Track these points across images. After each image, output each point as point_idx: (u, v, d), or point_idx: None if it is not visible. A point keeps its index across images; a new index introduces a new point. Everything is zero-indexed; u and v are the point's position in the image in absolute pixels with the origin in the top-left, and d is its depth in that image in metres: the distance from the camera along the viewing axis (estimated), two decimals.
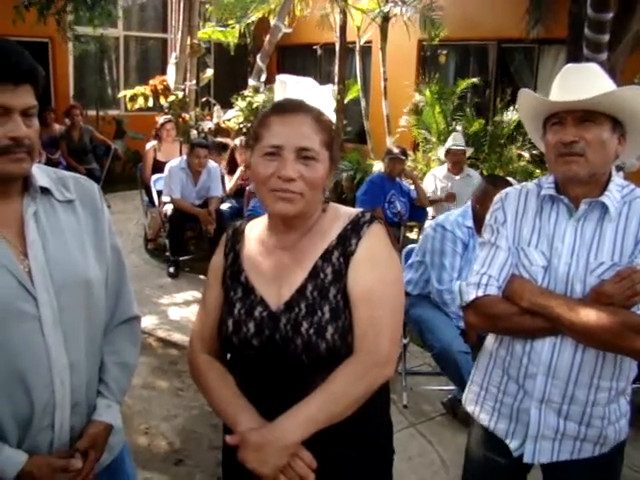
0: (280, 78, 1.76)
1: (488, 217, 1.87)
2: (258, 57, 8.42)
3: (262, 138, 1.45)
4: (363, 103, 9.96)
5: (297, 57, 12.25)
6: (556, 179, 1.77)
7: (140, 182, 7.01)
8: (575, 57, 5.54)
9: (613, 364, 1.71)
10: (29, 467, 1.37)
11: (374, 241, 1.48)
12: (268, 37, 8.40)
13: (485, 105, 8.58)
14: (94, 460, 1.49)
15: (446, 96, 8.62)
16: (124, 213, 8.01)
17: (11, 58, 1.31)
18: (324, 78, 10.68)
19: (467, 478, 2.02)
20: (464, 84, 8.68)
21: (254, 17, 9.74)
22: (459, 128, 8.19)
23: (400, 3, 8.84)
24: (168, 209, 6.01)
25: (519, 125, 7.13)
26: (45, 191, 1.47)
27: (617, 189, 1.72)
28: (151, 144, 7.05)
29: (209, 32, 9.83)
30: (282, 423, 1.37)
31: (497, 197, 1.87)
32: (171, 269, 5.99)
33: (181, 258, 6.11)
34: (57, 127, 8.62)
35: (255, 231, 1.60)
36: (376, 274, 1.45)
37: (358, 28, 9.46)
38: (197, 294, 5.40)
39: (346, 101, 9.76)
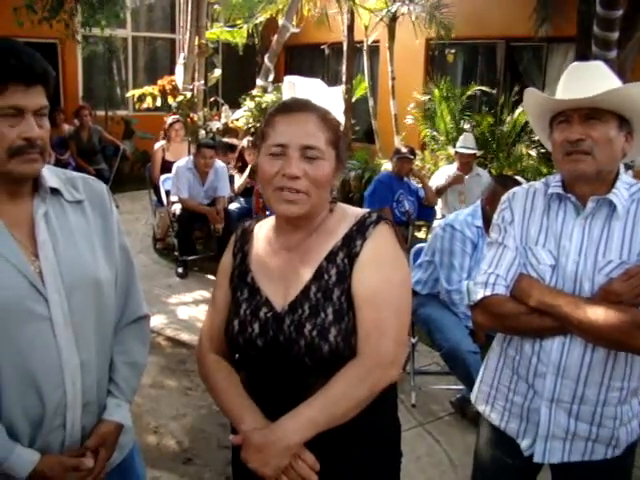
0: (289, 79, 1.76)
1: (496, 216, 1.86)
2: (266, 57, 8.42)
3: (268, 137, 1.45)
4: (371, 102, 9.95)
5: (305, 57, 12.25)
6: (563, 178, 1.76)
7: (149, 182, 7.02)
8: (584, 55, 5.51)
9: (624, 364, 1.70)
10: (41, 466, 1.38)
11: (380, 242, 1.46)
12: (276, 37, 8.40)
13: (493, 103, 8.55)
14: (105, 459, 1.50)
15: (454, 96, 8.59)
16: (133, 213, 8.04)
17: (23, 59, 1.32)
18: (332, 78, 10.70)
19: (477, 477, 2.02)
20: (472, 89, 8.63)
21: (262, 17, 9.75)
22: (467, 127, 8.16)
23: (408, 2, 8.83)
24: (176, 209, 6.02)
25: (527, 123, 7.09)
26: (55, 192, 1.48)
27: (625, 187, 1.71)
28: (160, 144, 7.07)
29: (217, 32, 9.85)
30: (284, 424, 1.37)
31: (504, 197, 1.87)
32: (180, 269, 6.01)
33: (190, 258, 6.13)
34: (66, 128, 8.67)
35: (263, 231, 1.60)
36: (381, 275, 1.43)
37: (366, 27, 9.45)
38: (206, 294, 5.41)
39: (354, 100, 9.75)
